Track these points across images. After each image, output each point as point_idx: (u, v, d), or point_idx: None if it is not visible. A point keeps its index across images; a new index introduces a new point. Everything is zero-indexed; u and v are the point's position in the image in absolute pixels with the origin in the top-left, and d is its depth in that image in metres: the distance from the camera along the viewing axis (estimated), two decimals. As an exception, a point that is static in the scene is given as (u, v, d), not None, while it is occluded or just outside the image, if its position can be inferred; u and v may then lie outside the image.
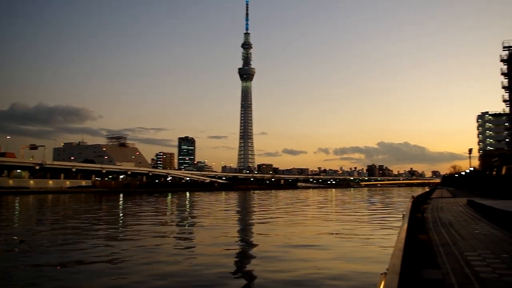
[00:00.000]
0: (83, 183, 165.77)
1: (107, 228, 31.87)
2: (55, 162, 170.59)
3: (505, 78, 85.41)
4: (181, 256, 19.49)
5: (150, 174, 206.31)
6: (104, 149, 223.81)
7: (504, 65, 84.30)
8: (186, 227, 34.87)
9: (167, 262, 17.46)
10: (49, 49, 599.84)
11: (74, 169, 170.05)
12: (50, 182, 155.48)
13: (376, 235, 26.61)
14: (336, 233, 27.27)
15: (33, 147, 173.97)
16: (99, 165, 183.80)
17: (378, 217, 42.22)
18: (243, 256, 20.05)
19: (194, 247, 22.73)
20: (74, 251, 21.02)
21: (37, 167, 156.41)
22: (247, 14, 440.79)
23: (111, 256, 19.10)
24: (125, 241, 24.48)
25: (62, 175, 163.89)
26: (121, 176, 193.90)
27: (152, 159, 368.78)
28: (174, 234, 29.44)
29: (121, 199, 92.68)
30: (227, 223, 37.30)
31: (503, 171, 53.34)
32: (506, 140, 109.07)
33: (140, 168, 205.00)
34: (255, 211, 52.88)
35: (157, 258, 18.47)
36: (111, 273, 15.81)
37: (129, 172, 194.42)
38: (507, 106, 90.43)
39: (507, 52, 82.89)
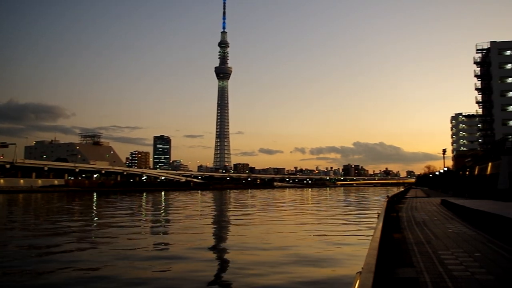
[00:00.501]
0: (56, 182, 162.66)
1: (79, 230, 31.02)
2: (27, 161, 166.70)
3: (478, 80, 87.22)
4: (155, 260, 18.96)
5: (125, 173, 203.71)
6: (77, 147, 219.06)
7: (477, 67, 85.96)
8: (161, 228, 34.40)
9: (141, 268, 16.91)
10: (20, 45, 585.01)
11: (46, 168, 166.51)
12: (22, 181, 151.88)
13: (351, 235, 26.74)
14: (312, 234, 27.15)
15: (3, 145, 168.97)
16: (72, 164, 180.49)
17: (354, 216, 42.53)
18: (218, 260, 19.67)
19: (168, 249, 22.28)
20: (45, 253, 20.46)
21: (8, 166, 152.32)
22: (224, 12, 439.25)
23: (83, 260, 18.57)
24: (99, 244, 23.94)
25: (34, 174, 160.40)
26: (95, 175, 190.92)
27: (127, 158, 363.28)
28: (148, 235, 28.95)
29: (94, 198, 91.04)
30: (202, 223, 36.94)
31: (476, 171, 54.28)
32: (479, 141, 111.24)
33: (115, 167, 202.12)
34: (231, 212, 52.57)
35: (131, 263, 17.89)
36: (82, 277, 15.31)
37: (103, 171, 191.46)
38: (480, 108, 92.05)
39: (480, 54, 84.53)
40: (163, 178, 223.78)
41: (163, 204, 71.59)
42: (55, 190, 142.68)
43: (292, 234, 27.13)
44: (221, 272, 16.74)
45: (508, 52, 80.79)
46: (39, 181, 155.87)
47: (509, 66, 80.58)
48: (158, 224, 36.68)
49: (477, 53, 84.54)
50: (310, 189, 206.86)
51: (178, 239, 25.63)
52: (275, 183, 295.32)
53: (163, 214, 48.55)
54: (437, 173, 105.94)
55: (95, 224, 36.18)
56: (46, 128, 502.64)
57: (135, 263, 17.54)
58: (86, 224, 35.42)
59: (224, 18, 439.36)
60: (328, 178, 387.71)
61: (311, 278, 14.71)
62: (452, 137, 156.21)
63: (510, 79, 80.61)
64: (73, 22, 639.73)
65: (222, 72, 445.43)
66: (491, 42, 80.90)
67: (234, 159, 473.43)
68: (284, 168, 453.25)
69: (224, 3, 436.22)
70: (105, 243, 23.62)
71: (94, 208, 58.87)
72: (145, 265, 17.29)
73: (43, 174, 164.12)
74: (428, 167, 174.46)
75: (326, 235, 26.17)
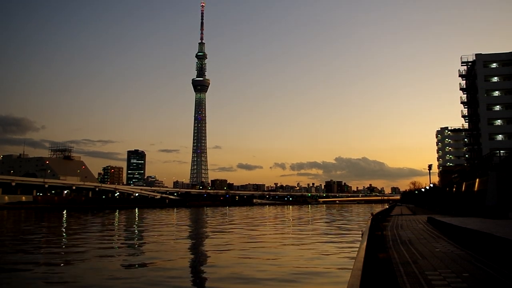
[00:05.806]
0: (24, 198, 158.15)
1: (48, 252, 29.33)
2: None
3: (464, 93, 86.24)
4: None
5: (97, 189, 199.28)
6: (47, 162, 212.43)
7: (463, 80, 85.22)
8: (135, 248, 33.03)
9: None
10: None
11: (14, 183, 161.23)
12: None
13: (334, 258, 25.58)
14: (293, 261, 24.52)
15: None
16: (41, 180, 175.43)
17: (337, 236, 40.38)
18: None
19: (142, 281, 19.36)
20: (12, 275, 19.35)
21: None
22: (202, 23, 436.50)
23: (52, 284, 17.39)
24: (68, 268, 22.70)
25: (1, 190, 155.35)
26: (66, 191, 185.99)
27: (99, 173, 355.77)
28: (121, 257, 27.31)
29: (65, 216, 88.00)
30: (176, 249, 33.15)
31: (463, 188, 53.79)
32: (466, 156, 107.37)
33: (86, 183, 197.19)
34: (208, 234, 47.80)
35: None
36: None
37: (74, 187, 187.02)
38: (466, 122, 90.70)
39: (465, 67, 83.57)
40: (137, 194, 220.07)
41: (136, 223, 69.28)
42: (23, 207, 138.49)
43: (272, 266, 25.36)
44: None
45: (494, 65, 79.58)
46: (6, 197, 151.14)
47: (495, 79, 79.34)
48: (132, 248, 34.90)
49: (462, 65, 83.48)
50: (291, 207, 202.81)
51: (151, 273, 23.77)
52: (254, 200, 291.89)
53: (137, 235, 46.73)
54: (423, 189, 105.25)
55: (64, 245, 34.53)
56: (14, 142, 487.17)
57: None
58: (55, 245, 33.68)
59: (202, 28, 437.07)
60: (309, 194, 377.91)
61: None
62: (438, 152, 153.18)
63: (496, 92, 79.32)
64: (42, 30, 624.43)
65: (200, 84, 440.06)
66: (476, 55, 79.72)
67: (212, 175, 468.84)
68: (264, 184, 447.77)
69: (202, 13, 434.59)
70: (72, 271, 22.26)
71: (64, 227, 56.42)
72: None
73: (11, 190, 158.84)
74: (414, 183, 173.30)
75: (307, 259, 24.69)
